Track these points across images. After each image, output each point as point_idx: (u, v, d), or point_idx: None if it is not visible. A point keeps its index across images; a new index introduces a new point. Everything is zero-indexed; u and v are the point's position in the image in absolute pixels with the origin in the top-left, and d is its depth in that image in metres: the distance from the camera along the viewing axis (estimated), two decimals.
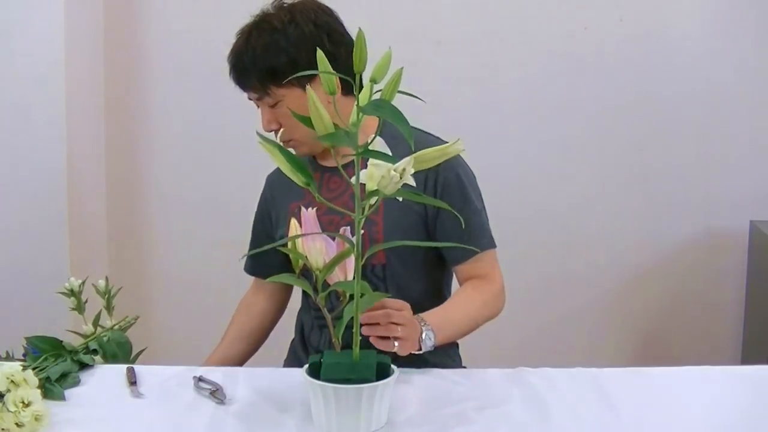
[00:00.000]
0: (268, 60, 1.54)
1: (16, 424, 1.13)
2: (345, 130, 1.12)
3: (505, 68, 2.71)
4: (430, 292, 1.64)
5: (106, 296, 1.64)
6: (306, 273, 1.31)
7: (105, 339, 1.54)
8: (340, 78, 1.17)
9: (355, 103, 1.11)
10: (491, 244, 1.62)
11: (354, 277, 1.19)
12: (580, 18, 2.68)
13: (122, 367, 1.42)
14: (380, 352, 1.26)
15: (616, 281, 2.81)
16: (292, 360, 1.73)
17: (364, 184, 1.13)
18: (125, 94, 2.74)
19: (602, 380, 1.35)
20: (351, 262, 1.26)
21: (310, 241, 1.25)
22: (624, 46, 2.69)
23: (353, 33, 1.13)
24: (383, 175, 1.06)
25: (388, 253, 1.56)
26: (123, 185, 2.78)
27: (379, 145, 1.12)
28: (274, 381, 1.38)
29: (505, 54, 2.70)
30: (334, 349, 1.23)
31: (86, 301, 1.63)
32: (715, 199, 2.75)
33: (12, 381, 1.16)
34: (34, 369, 1.27)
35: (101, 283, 1.65)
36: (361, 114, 1.11)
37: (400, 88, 1.12)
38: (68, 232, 2.42)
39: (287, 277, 1.31)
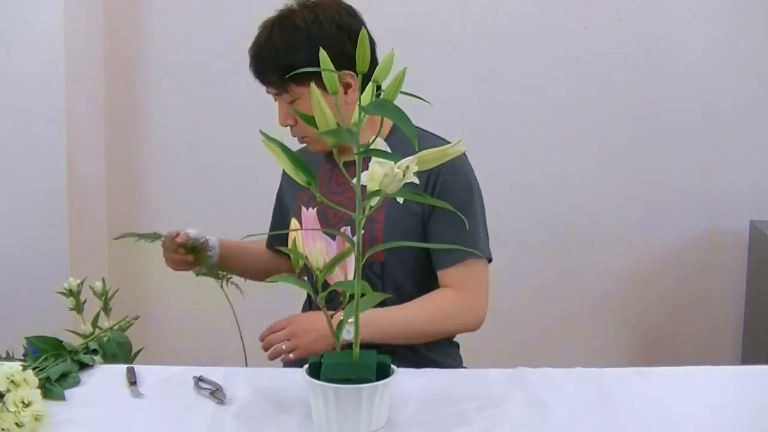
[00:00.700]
0: (289, 58, 1.54)
1: (16, 424, 1.13)
2: (348, 129, 1.12)
3: (505, 68, 2.71)
4: (428, 290, 1.64)
5: (103, 298, 1.64)
6: (306, 273, 1.30)
7: (105, 339, 1.54)
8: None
9: (357, 102, 1.11)
10: (479, 255, 1.55)
11: (354, 277, 1.18)
12: (580, 18, 2.69)
13: (122, 367, 1.41)
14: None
15: (616, 281, 2.81)
16: None
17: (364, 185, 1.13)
18: (125, 94, 2.74)
19: (602, 380, 1.35)
20: (351, 261, 1.26)
21: (310, 241, 1.25)
22: (624, 46, 2.69)
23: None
24: (386, 173, 1.06)
25: (386, 252, 1.56)
26: (123, 185, 2.78)
27: (381, 145, 1.12)
28: (274, 381, 1.37)
29: (505, 54, 2.70)
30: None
31: (85, 302, 1.63)
32: (715, 199, 2.75)
33: (12, 381, 1.15)
34: (34, 369, 1.27)
35: (98, 285, 1.65)
36: (363, 114, 1.11)
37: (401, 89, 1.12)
38: (68, 232, 2.42)
39: (287, 278, 1.31)
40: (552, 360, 1.44)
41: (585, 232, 2.77)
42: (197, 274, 1.77)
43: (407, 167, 1.06)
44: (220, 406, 1.27)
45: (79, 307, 1.62)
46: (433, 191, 1.56)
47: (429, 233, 1.58)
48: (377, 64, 1.12)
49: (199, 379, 1.35)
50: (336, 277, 1.26)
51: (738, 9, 2.68)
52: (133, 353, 1.58)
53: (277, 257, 1.84)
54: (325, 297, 1.24)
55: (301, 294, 1.78)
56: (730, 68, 2.69)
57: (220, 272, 1.79)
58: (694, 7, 2.69)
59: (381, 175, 1.07)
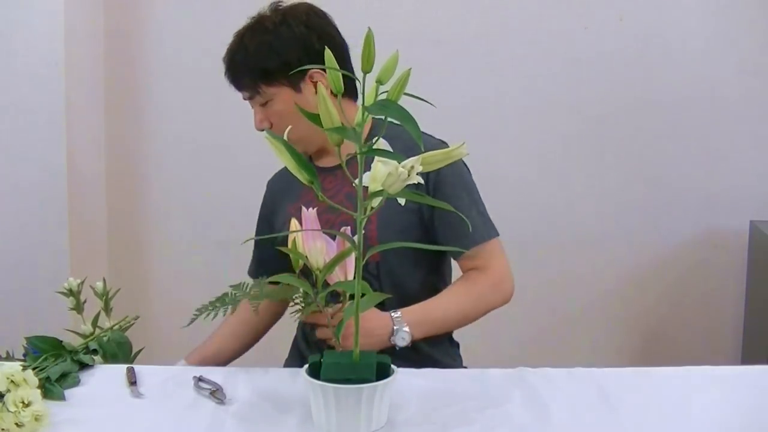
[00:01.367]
0: (259, 60, 1.58)
1: (16, 424, 1.13)
2: (353, 127, 1.12)
3: (504, 68, 2.71)
4: (426, 288, 1.64)
5: (104, 298, 1.64)
6: (306, 273, 1.30)
7: (105, 339, 1.54)
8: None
9: (361, 103, 1.11)
10: (489, 234, 1.61)
11: (354, 277, 1.19)
12: (580, 18, 2.69)
13: (122, 367, 1.41)
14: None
15: (616, 281, 2.81)
16: (294, 354, 1.74)
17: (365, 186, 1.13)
18: (125, 94, 2.74)
19: (602, 380, 1.35)
20: (350, 261, 1.26)
21: (310, 241, 1.25)
22: (624, 46, 2.69)
23: (357, 34, 1.13)
24: (390, 173, 1.06)
25: (382, 251, 1.56)
26: (123, 185, 2.78)
27: (383, 145, 1.12)
28: (274, 381, 1.37)
29: (505, 54, 2.70)
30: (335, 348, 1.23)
31: (86, 301, 1.63)
32: (715, 199, 2.75)
33: (12, 381, 1.15)
34: (34, 369, 1.27)
35: (99, 284, 1.65)
36: (366, 114, 1.11)
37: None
38: (68, 232, 2.42)
39: (287, 277, 1.31)
40: (552, 360, 1.44)
41: (585, 231, 2.77)
42: None
43: (412, 167, 1.06)
44: (220, 406, 1.27)
45: (79, 307, 1.62)
46: (427, 187, 1.57)
47: (437, 225, 1.59)
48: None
49: (199, 379, 1.35)
50: (336, 277, 1.26)
51: (738, 9, 2.68)
52: (133, 353, 1.58)
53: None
54: (325, 297, 1.24)
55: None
56: (730, 68, 2.69)
57: None
58: (694, 7, 2.69)
59: (385, 174, 1.07)
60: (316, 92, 1.50)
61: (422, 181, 1.09)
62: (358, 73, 1.11)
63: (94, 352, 1.49)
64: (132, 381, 1.36)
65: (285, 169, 1.74)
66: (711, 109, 2.72)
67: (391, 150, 1.13)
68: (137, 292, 2.72)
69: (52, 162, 2.39)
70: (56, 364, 1.37)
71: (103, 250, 2.74)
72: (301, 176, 1.18)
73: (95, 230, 2.69)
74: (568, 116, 2.73)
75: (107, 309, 1.65)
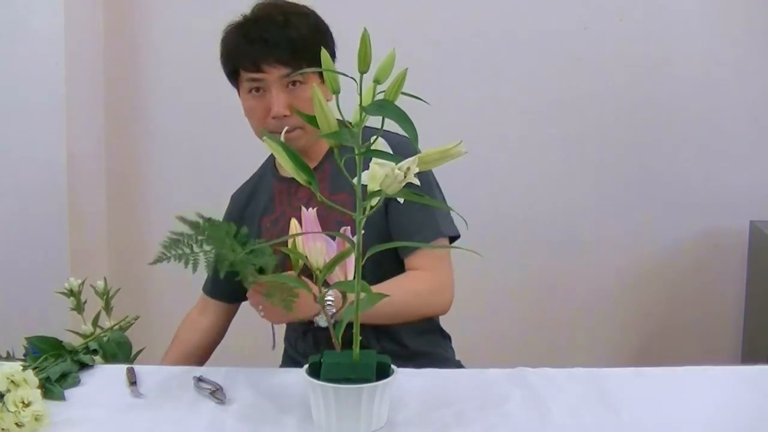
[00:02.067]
0: (310, 39, 1.52)
1: (16, 424, 1.13)
2: (350, 129, 1.12)
3: (505, 68, 2.71)
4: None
5: (105, 297, 1.65)
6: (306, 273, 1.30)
7: (105, 339, 1.54)
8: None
9: (358, 103, 1.11)
10: (440, 234, 1.56)
11: (354, 277, 1.19)
12: (580, 18, 2.68)
13: (122, 367, 1.42)
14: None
15: (616, 281, 2.81)
16: (287, 364, 1.74)
17: (364, 186, 1.13)
18: (125, 94, 2.74)
19: (602, 380, 1.35)
20: (351, 261, 1.26)
21: (310, 241, 1.25)
22: (624, 46, 2.69)
23: (356, 32, 1.13)
24: (387, 174, 1.06)
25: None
26: (123, 185, 2.78)
27: (381, 146, 1.12)
28: (274, 381, 1.38)
29: (505, 54, 2.70)
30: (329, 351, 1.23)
31: (86, 302, 1.63)
32: (715, 199, 2.75)
33: (12, 381, 1.15)
34: (34, 369, 1.27)
35: (100, 284, 1.65)
36: (364, 114, 1.11)
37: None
38: (68, 232, 2.42)
39: (288, 277, 1.31)
40: (552, 360, 1.44)
41: (585, 231, 2.77)
42: None
43: (408, 168, 1.06)
44: (220, 406, 1.27)
45: (79, 307, 1.62)
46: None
47: (389, 225, 1.55)
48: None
49: (199, 379, 1.35)
50: (336, 277, 1.26)
51: (738, 9, 2.68)
52: (133, 353, 1.58)
53: (205, 313, 1.78)
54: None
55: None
56: (730, 68, 2.69)
57: None
58: (694, 7, 2.69)
59: (381, 176, 1.07)
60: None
61: (418, 182, 1.09)
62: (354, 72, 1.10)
63: (94, 352, 1.49)
64: (132, 381, 1.36)
65: (248, 184, 1.75)
66: (711, 110, 2.72)
67: (391, 151, 1.13)
68: (137, 292, 2.72)
69: (52, 161, 2.39)
70: (56, 364, 1.38)
71: (103, 250, 2.74)
72: (300, 177, 1.18)
73: (95, 230, 2.69)
74: (568, 116, 2.73)
75: (107, 309, 1.65)
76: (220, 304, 1.76)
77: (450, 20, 2.68)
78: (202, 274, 1.82)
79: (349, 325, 1.17)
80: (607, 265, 2.79)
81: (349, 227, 1.24)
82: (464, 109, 2.67)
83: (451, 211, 1.56)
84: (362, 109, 1.10)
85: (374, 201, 1.14)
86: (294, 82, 1.53)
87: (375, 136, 1.13)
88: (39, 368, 1.34)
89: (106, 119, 2.72)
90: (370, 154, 1.11)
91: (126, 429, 1.23)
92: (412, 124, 1.07)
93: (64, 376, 1.36)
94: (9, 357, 1.54)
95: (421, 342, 1.65)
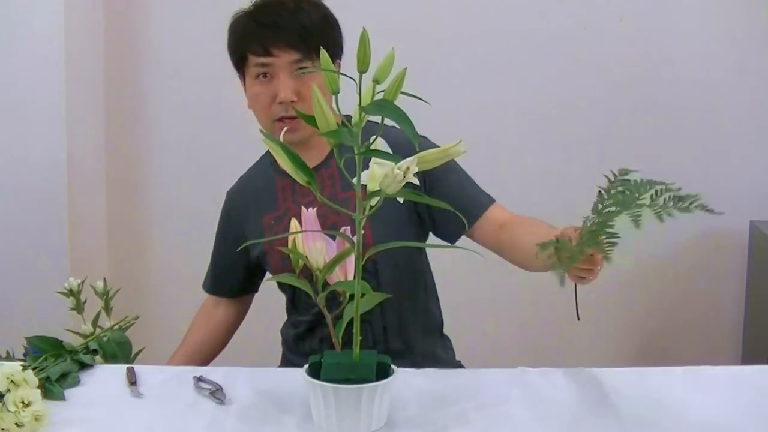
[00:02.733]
0: (324, 30, 1.54)
1: (16, 424, 1.13)
2: (349, 129, 1.12)
3: (505, 68, 2.71)
4: (419, 283, 1.65)
5: (104, 297, 1.65)
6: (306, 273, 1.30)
7: (105, 339, 1.54)
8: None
9: (358, 103, 1.11)
10: (490, 199, 1.61)
11: (354, 277, 1.19)
12: (580, 18, 2.68)
13: (122, 367, 1.41)
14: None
15: (616, 281, 2.81)
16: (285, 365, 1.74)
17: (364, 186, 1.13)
18: (125, 94, 2.74)
19: (602, 380, 1.35)
20: (351, 261, 1.26)
21: (310, 241, 1.25)
22: (624, 46, 2.69)
23: (355, 32, 1.13)
24: (386, 174, 1.06)
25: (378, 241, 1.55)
26: (123, 185, 2.78)
27: (381, 145, 1.12)
28: (274, 381, 1.37)
29: (505, 54, 2.70)
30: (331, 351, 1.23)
31: (86, 302, 1.63)
32: (715, 199, 2.73)
33: (12, 381, 1.15)
34: (34, 369, 1.27)
35: (99, 284, 1.65)
36: (363, 114, 1.11)
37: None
38: (68, 232, 2.42)
39: (287, 277, 1.31)
40: (552, 360, 1.44)
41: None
42: None
43: (407, 168, 1.06)
44: (220, 406, 1.27)
45: (79, 307, 1.62)
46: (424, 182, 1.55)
47: (447, 198, 1.55)
48: None
49: (199, 379, 1.35)
50: (336, 277, 1.26)
51: (738, 9, 2.68)
52: (133, 353, 1.58)
53: (219, 305, 1.80)
54: (325, 297, 1.24)
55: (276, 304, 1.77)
56: (730, 68, 2.69)
57: None
58: (694, 7, 2.69)
59: (381, 175, 1.07)
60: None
61: (417, 182, 1.09)
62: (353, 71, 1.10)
63: (94, 352, 1.49)
64: (132, 381, 1.36)
65: (246, 180, 1.74)
66: (711, 110, 2.72)
67: (390, 151, 1.13)
68: (137, 292, 2.72)
69: (52, 162, 2.39)
70: (56, 364, 1.37)
71: (103, 250, 2.74)
72: (299, 177, 1.17)
73: (95, 230, 2.69)
74: (567, 116, 2.73)
75: (107, 308, 1.65)
76: (226, 299, 1.78)
77: (450, 20, 2.68)
78: (201, 278, 1.83)
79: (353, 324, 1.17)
80: (607, 265, 2.78)
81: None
82: (463, 108, 2.67)
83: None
84: (361, 108, 1.10)
85: (374, 201, 1.14)
86: (302, 68, 1.52)
87: (375, 136, 1.13)
88: (39, 368, 1.34)
89: (106, 119, 2.72)
90: (369, 153, 1.11)
91: (126, 429, 1.23)
92: (412, 123, 1.07)
93: (64, 376, 1.36)
94: (9, 357, 1.54)
95: (426, 342, 1.65)
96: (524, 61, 2.70)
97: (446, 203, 1.19)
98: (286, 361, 1.74)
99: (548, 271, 1.24)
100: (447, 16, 2.69)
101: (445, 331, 1.77)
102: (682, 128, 2.73)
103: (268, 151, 1.71)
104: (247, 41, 1.55)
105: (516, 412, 1.24)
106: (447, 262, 1.85)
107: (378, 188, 1.10)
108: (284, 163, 1.18)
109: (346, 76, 1.13)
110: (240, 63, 1.59)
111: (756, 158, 2.74)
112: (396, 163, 1.06)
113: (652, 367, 1.41)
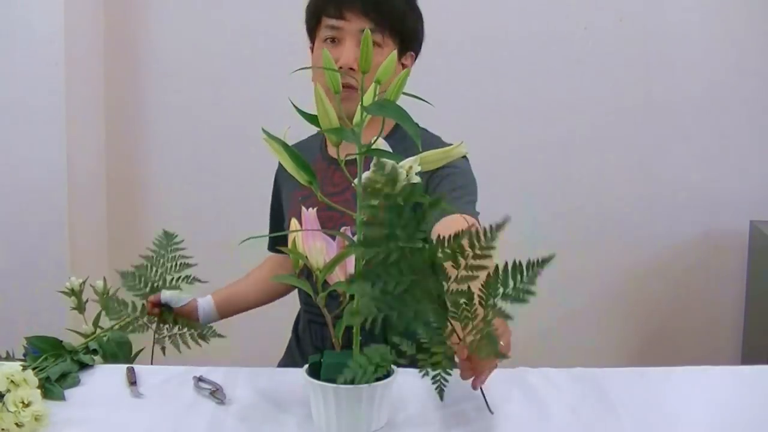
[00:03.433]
0: (406, 6, 1.58)
1: (16, 424, 1.13)
2: (351, 128, 1.11)
3: (505, 68, 2.71)
4: None
5: (105, 296, 1.64)
6: (306, 273, 1.30)
7: (105, 339, 1.54)
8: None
9: (359, 103, 1.11)
10: (465, 212, 1.51)
11: None
12: (579, 18, 2.69)
13: (122, 367, 1.41)
14: None
15: (616, 281, 2.81)
16: (288, 362, 1.74)
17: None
18: (125, 94, 2.74)
19: (602, 380, 1.35)
20: (351, 261, 1.26)
21: (310, 241, 1.25)
22: (624, 46, 2.69)
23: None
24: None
25: None
26: (123, 185, 2.78)
27: (382, 145, 1.12)
28: (274, 381, 1.37)
29: (505, 54, 2.70)
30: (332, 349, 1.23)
31: (86, 301, 1.63)
32: (715, 199, 2.75)
33: (12, 381, 1.15)
34: (34, 369, 1.27)
35: (99, 283, 1.65)
36: (365, 114, 1.10)
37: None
38: (68, 232, 2.42)
39: (287, 277, 1.31)
40: (552, 360, 1.44)
41: (585, 232, 2.77)
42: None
43: (410, 167, 1.06)
44: (220, 406, 1.27)
45: (80, 307, 1.62)
46: (426, 188, 1.54)
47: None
48: None
49: (199, 379, 1.35)
50: (336, 277, 1.26)
51: (738, 9, 2.68)
52: (133, 353, 1.58)
53: (280, 260, 1.83)
54: (325, 297, 1.24)
55: (293, 294, 1.78)
56: (730, 68, 2.69)
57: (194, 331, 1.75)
58: (694, 7, 2.69)
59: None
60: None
61: (419, 179, 1.09)
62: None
63: (94, 352, 1.49)
64: (132, 381, 1.36)
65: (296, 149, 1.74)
66: (711, 110, 2.72)
67: (391, 150, 1.13)
68: None
69: (52, 162, 2.39)
70: (56, 364, 1.37)
71: (103, 250, 2.74)
72: (300, 177, 1.17)
73: (95, 230, 2.69)
74: (568, 116, 2.73)
75: (107, 309, 1.65)
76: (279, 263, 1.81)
77: (450, 21, 2.68)
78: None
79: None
80: (606, 265, 2.79)
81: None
82: (464, 108, 2.67)
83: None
84: (363, 108, 1.10)
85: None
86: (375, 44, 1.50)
87: (375, 137, 1.13)
88: (39, 368, 1.34)
89: (106, 119, 2.72)
90: (370, 153, 1.10)
91: (126, 429, 1.23)
92: (413, 122, 1.08)
93: (64, 376, 1.35)
94: (9, 357, 1.54)
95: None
96: (524, 61, 2.70)
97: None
98: (289, 358, 1.75)
99: None
100: (447, 17, 2.69)
101: None
102: (682, 128, 2.73)
103: (320, 132, 1.71)
104: (325, 2, 1.55)
105: (516, 412, 1.24)
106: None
107: None
108: (284, 162, 1.18)
109: (353, 77, 1.13)
110: (314, 28, 1.58)
111: (756, 158, 2.74)
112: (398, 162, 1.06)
113: (652, 367, 1.41)
